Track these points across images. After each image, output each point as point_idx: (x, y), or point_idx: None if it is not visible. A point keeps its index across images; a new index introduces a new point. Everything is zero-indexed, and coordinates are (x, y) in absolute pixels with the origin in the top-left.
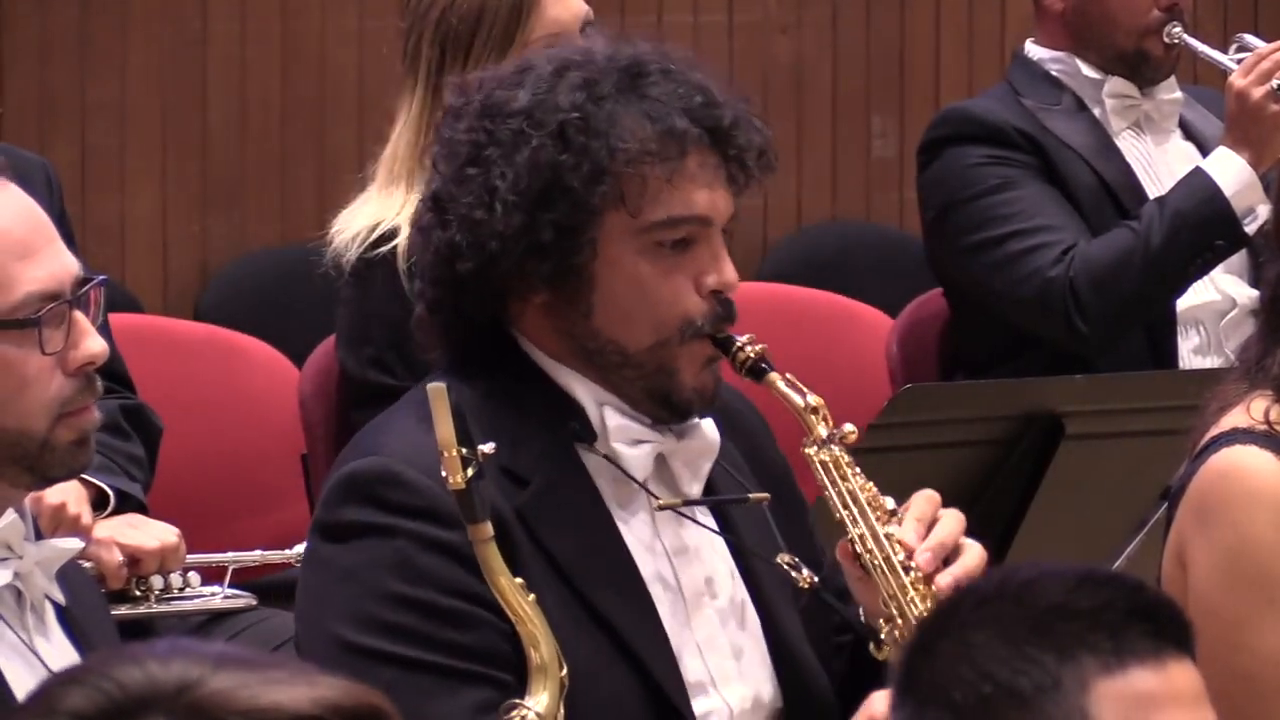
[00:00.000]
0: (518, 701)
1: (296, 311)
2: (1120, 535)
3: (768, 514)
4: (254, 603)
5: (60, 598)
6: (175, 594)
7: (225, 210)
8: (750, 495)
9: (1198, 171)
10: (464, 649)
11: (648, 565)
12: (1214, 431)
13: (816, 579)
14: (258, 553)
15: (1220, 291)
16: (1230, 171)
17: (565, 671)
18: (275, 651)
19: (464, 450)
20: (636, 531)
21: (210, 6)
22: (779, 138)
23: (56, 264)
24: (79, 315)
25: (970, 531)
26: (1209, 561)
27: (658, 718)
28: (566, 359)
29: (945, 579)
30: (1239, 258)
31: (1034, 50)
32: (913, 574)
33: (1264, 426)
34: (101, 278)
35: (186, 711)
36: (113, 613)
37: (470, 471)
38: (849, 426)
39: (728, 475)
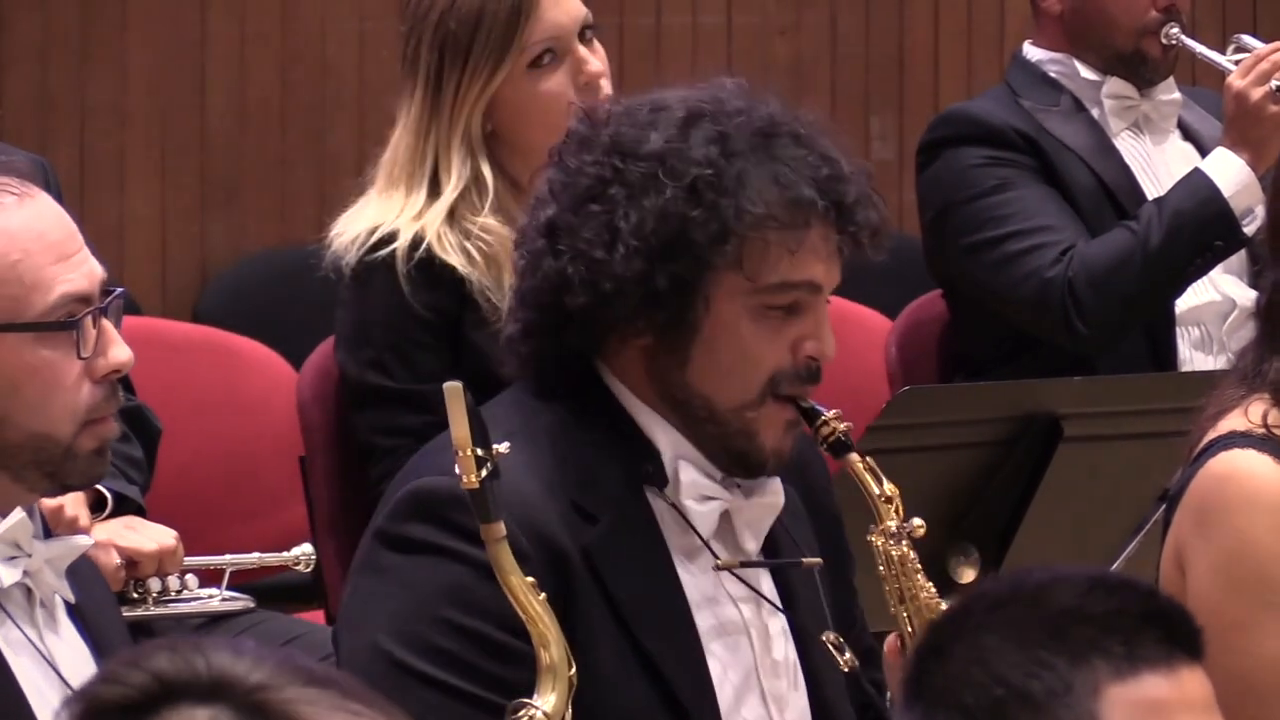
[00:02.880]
0: (525, 701)
1: (295, 314)
2: (1118, 537)
3: (816, 579)
4: (252, 605)
5: (70, 595)
6: (173, 596)
7: (224, 212)
8: (804, 560)
9: (1196, 172)
10: (508, 685)
11: (705, 620)
12: (1212, 435)
13: (857, 663)
14: (256, 555)
15: (1220, 292)
16: (1229, 172)
17: (574, 672)
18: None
19: (479, 450)
20: (697, 584)
21: (210, 8)
22: None
23: (88, 269)
24: (107, 323)
25: (968, 534)
26: (1208, 565)
27: None
28: (653, 403)
29: None
30: (1238, 258)
31: (1032, 51)
32: None
33: (1262, 430)
34: (121, 289)
35: (251, 707)
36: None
37: (484, 472)
38: (917, 521)
39: (785, 534)
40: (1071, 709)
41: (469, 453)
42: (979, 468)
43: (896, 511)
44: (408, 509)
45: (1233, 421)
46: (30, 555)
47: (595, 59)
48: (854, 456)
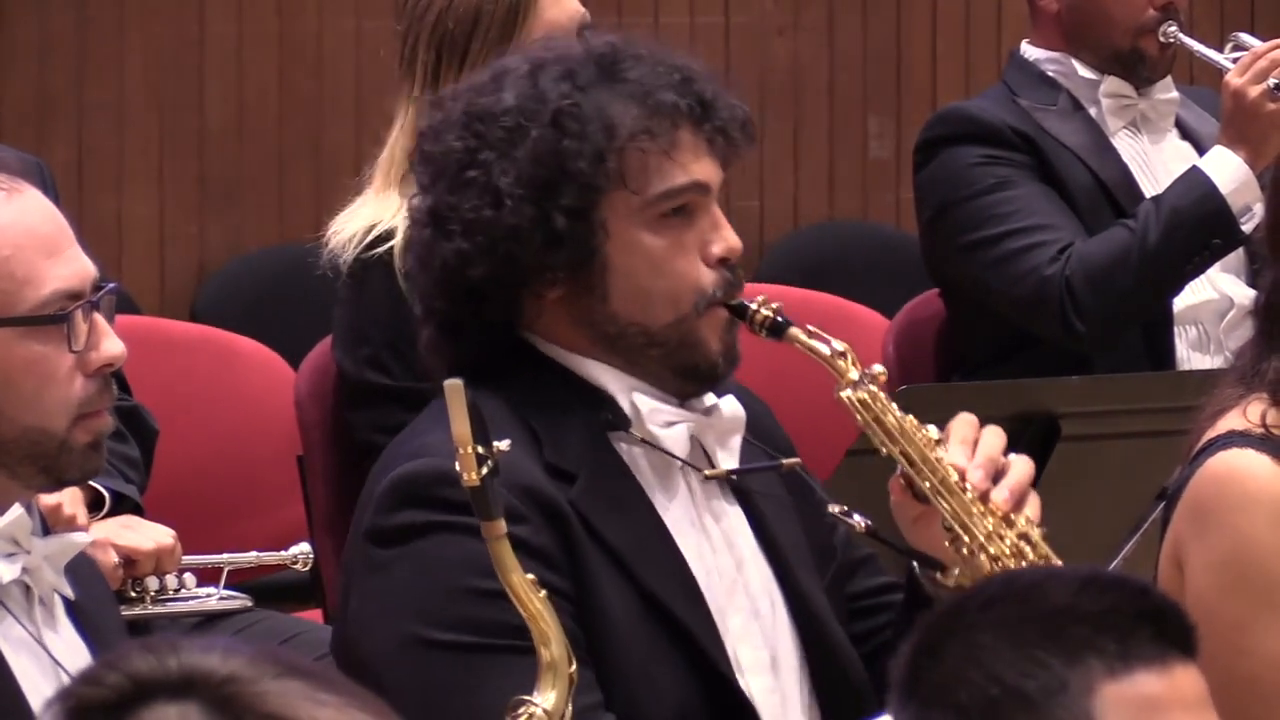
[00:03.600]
0: (525, 698)
1: (293, 312)
2: (1117, 536)
3: (780, 491)
4: (249, 604)
5: (69, 592)
6: (171, 595)
7: (222, 211)
8: (783, 461)
9: (1194, 170)
10: None
11: (690, 550)
12: (1210, 434)
13: (869, 522)
14: (253, 554)
15: (1218, 291)
16: (1227, 170)
17: (574, 669)
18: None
19: (479, 448)
20: (677, 516)
21: (207, 7)
22: (776, 139)
23: (79, 264)
24: (99, 317)
25: None
26: (1207, 564)
27: (711, 699)
28: (589, 350)
29: (1001, 494)
30: (1236, 257)
31: (1030, 51)
32: (969, 494)
33: (1260, 430)
34: (114, 284)
35: (221, 701)
36: None
37: (485, 469)
38: (878, 368)
39: (758, 450)
40: (1066, 707)
41: (469, 450)
42: None
43: (854, 364)
44: (393, 500)
45: (1231, 421)
46: (29, 552)
47: None
48: (794, 331)
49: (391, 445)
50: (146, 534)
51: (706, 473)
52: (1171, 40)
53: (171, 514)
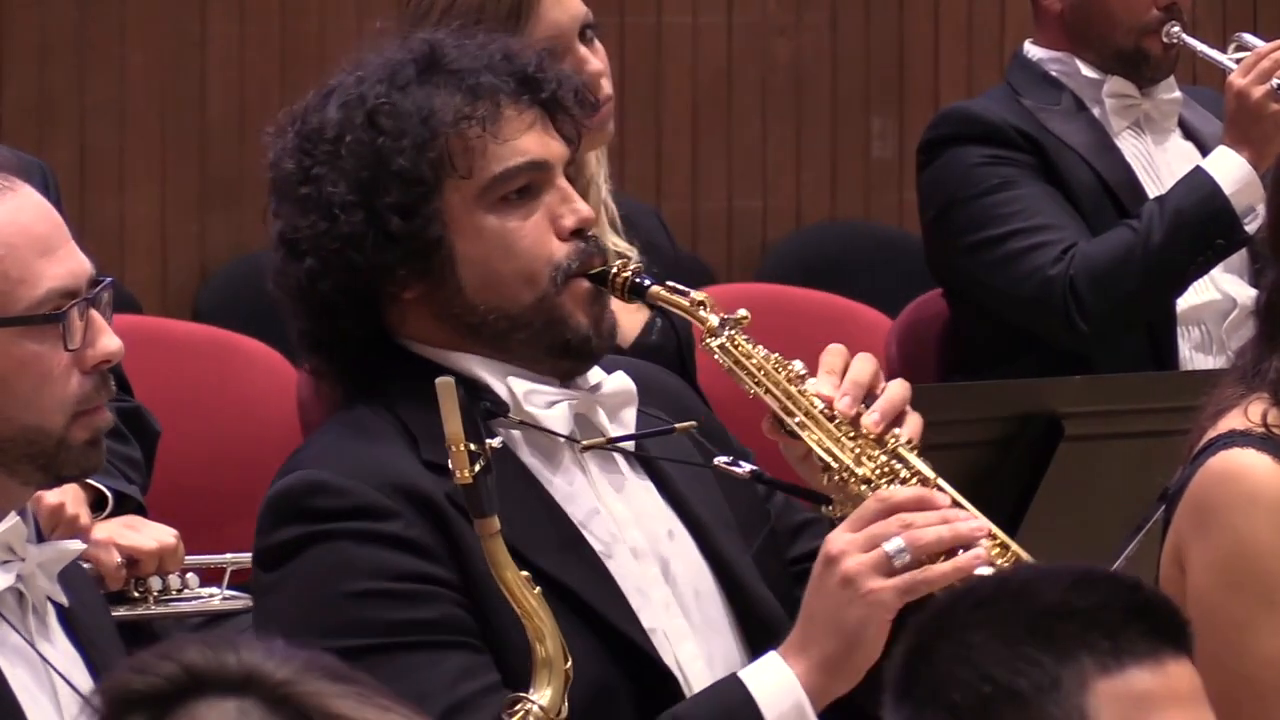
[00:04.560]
0: (522, 695)
1: None
2: (1119, 536)
3: (697, 446)
4: (252, 604)
5: (63, 599)
6: (173, 595)
7: (224, 211)
8: (675, 425)
9: (1198, 170)
10: (428, 623)
11: (586, 524)
12: (1212, 434)
13: (754, 468)
14: None
15: (1221, 291)
16: (1230, 170)
17: (570, 665)
18: None
19: (471, 445)
20: (569, 493)
21: (209, 7)
22: (778, 139)
23: (75, 262)
24: (95, 314)
25: None
26: (1207, 564)
27: (628, 671)
28: (458, 343)
29: (871, 417)
30: (1239, 257)
31: (1033, 50)
32: (837, 421)
33: (1261, 429)
34: (110, 279)
35: (280, 700)
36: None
37: (478, 466)
38: (742, 311)
39: (655, 420)
40: (1059, 704)
41: (461, 448)
42: (979, 467)
43: (714, 310)
44: (269, 521)
45: (1232, 420)
46: (23, 559)
47: (595, 58)
48: (654, 289)
49: (279, 470)
50: (149, 534)
51: (584, 442)
52: (1175, 40)
53: (174, 514)
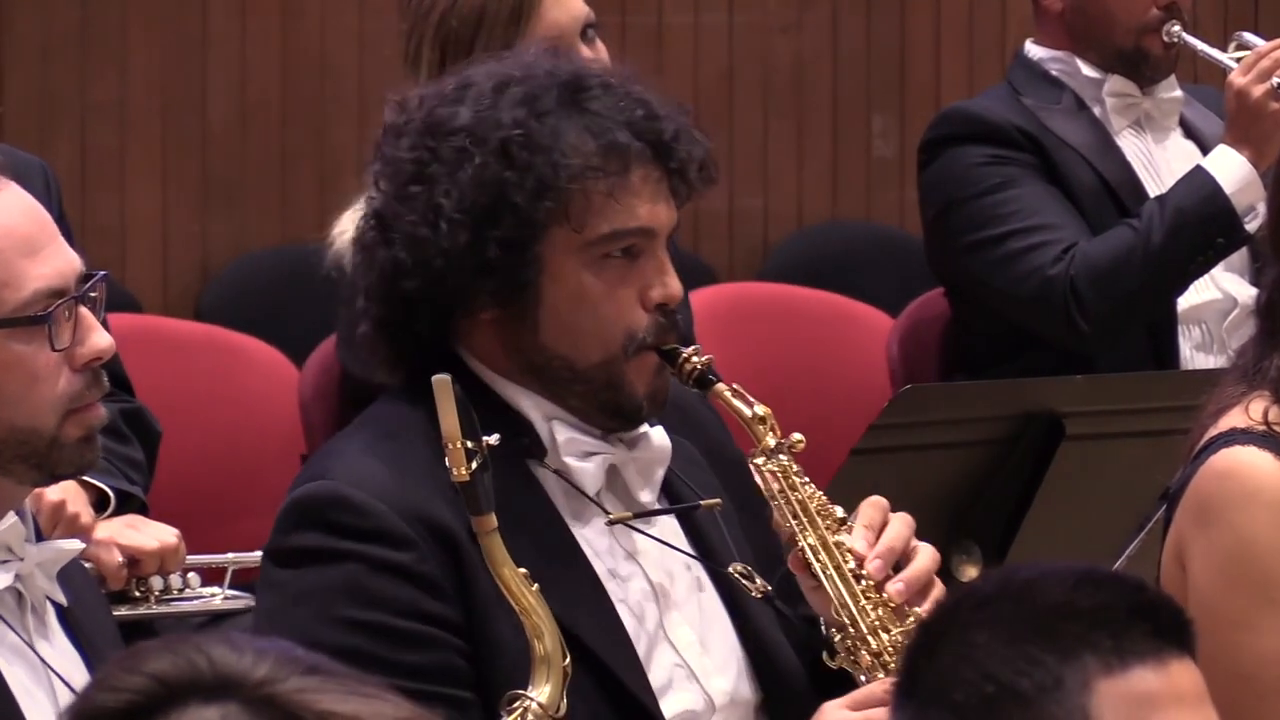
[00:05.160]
0: (520, 692)
1: (297, 312)
2: (1120, 536)
3: (719, 520)
4: (254, 604)
5: (62, 599)
6: (175, 595)
7: (225, 210)
8: (701, 502)
9: (1198, 169)
10: (420, 670)
11: (606, 574)
12: (1212, 432)
13: (769, 587)
14: (258, 554)
15: (1221, 290)
16: (1231, 169)
17: (568, 662)
18: None
19: (469, 443)
20: (593, 541)
21: (211, 7)
22: (779, 138)
23: (62, 260)
24: (85, 311)
25: (970, 532)
26: (1208, 562)
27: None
28: (515, 375)
29: (895, 586)
30: (1240, 257)
31: (1034, 50)
32: (864, 582)
33: (1263, 427)
34: (102, 274)
35: (262, 701)
36: (113, 613)
37: (475, 464)
38: (797, 436)
39: (681, 482)
40: (1062, 704)
41: (458, 445)
42: (981, 466)
43: (773, 430)
44: (290, 521)
45: (1233, 419)
46: (22, 559)
47: (597, 58)
48: (720, 386)
49: (306, 465)
50: (151, 534)
51: (610, 518)
52: (1175, 39)
53: (176, 513)
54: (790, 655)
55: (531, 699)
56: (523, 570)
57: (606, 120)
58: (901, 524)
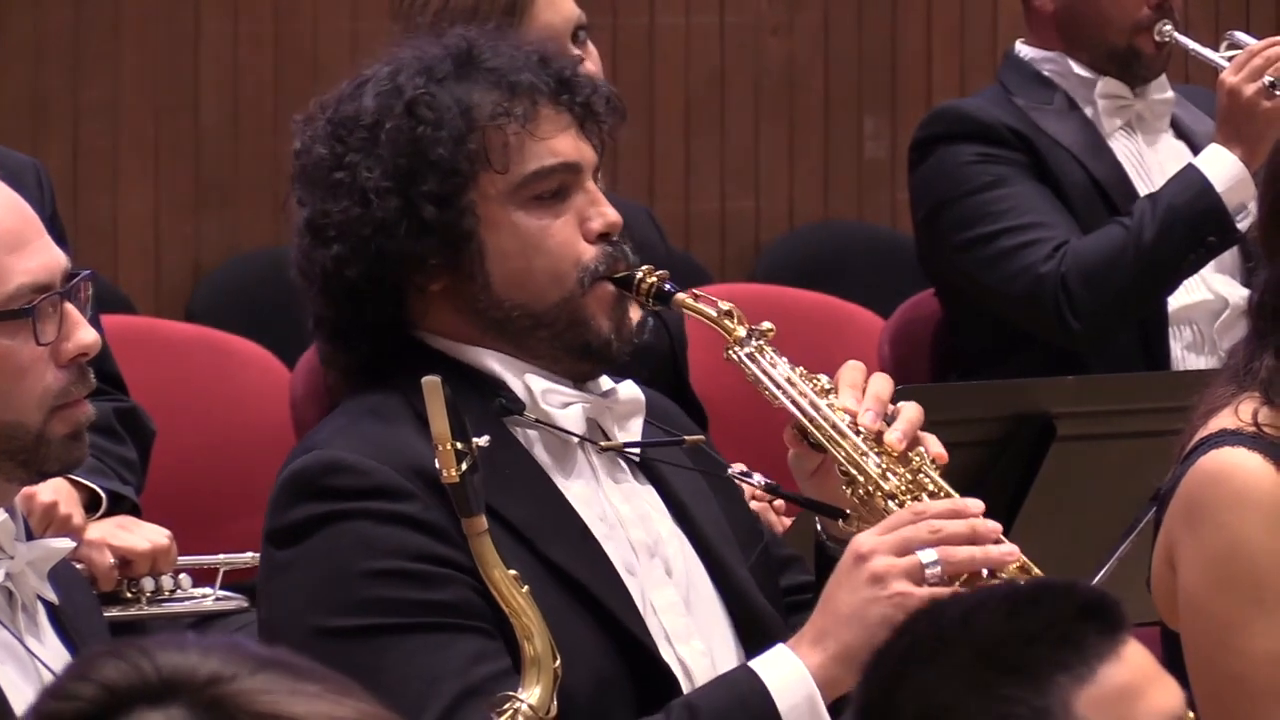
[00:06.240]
0: (511, 694)
1: (288, 312)
2: (1112, 536)
3: (703, 461)
4: (245, 605)
5: (52, 597)
6: (167, 596)
7: (217, 211)
8: (686, 437)
9: (1190, 168)
10: (444, 605)
11: (595, 524)
12: (1202, 433)
13: (769, 480)
14: (249, 555)
15: (1212, 291)
16: (1222, 167)
17: (559, 664)
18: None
19: (458, 444)
20: (579, 493)
21: (203, 8)
22: (771, 139)
23: (47, 256)
24: (70, 307)
25: None
26: (1198, 563)
27: (630, 666)
28: (478, 338)
29: (894, 435)
30: (1231, 257)
31: (1025, 50)
32: (862, 435)
33: (1252, 428)
34: (88, 271)
35: (208, 704)
36: (104, 615)
37: (465, 465)
38: (767, 324)
39: (660, 432)
40: None
41: (448, 447)
42: (972, 467)
43: (741, 322)
44: (284, 499)
45: (1223, 420)
46: (12, 557)
47: (588, 59)
48: (680, 296)
49: (288, 456)
50: (142, 534)
51: (602, 444)
52: (1166, 39)
53: (167, 514)
54: (776, 618)
55: (522, 700)
56: (513, 572)
57: (505, 70)
58: (882, 381)
